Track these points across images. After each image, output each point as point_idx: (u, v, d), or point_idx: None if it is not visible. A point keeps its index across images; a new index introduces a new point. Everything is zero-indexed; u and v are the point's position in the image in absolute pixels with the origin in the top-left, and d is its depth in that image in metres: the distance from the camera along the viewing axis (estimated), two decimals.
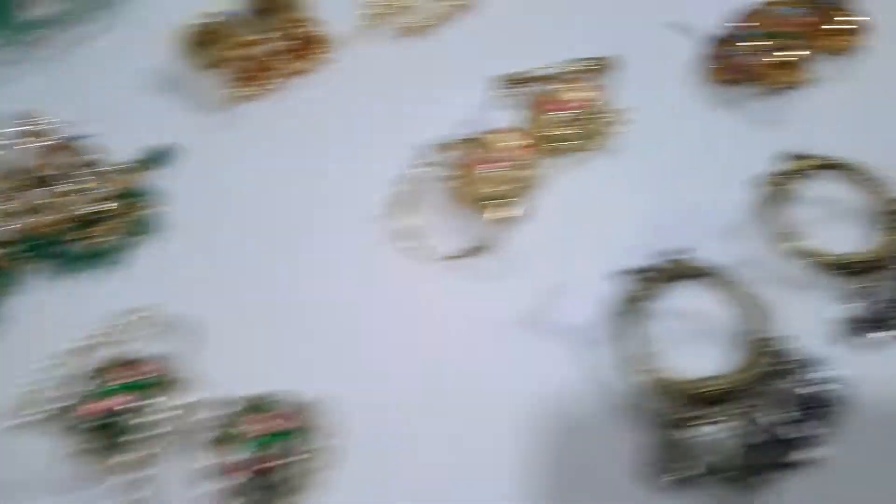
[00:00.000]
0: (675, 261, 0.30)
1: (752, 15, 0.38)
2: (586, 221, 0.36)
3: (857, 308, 0.30)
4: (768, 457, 0.27)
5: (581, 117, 0.38)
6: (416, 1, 0.45)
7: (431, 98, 0.42)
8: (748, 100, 0.39)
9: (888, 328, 0.29)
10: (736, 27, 0.38)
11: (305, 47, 0.45)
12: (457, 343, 0.33)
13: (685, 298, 0.32)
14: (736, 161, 0.36)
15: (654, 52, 0.42)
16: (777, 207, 0.32)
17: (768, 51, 0.37)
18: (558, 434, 0.30)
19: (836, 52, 0.39)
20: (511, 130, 0.39)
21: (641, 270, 0.30)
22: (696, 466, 0.27)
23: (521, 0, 0.45)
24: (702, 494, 0.28)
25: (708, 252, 0.33)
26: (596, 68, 0.40)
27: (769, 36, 0.36)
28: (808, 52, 0.37)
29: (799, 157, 0.33)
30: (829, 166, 0.33)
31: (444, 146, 0.37)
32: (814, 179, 0.34)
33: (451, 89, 0.41)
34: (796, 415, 0.27)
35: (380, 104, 0.41)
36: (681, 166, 0.37)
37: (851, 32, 0.39)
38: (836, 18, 0.39)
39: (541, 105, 0.38)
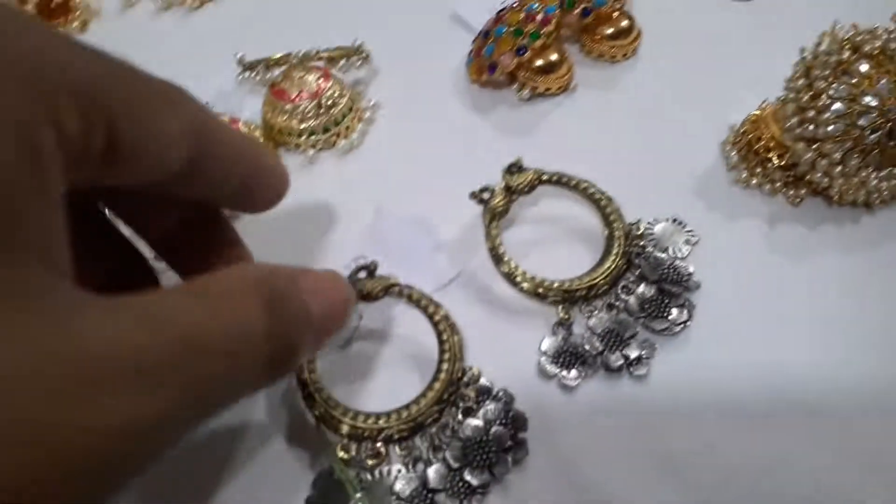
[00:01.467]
0: (365, 274, 0.26)
1: (504, 11, 0.34)
2: (310, 225, 0.32)
3: (559, 340, 0.27)
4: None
5: (320, 110, 0.34)
6: None
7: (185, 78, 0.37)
8: (504, 103, 0.35)
9: (578, 364, 0.26)
10: (490, 23, 0.35)
11: (54, 13, 0.41)
12: None
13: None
14: (478, 169, 0.32)
15: (427, 44, 0.39)
16: (496, 224, 0.29)
17: (517, 50, 0.33)
18: None
19: (601, 56, 0.37)
20: (244, 121, 0.34)
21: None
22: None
23: None
24: None
25: (427, 264, 0.30)
26: (347, 55, 0.35)
27: (516, 33, 0.33)
28: (559, 57, 0.34)
29: (520, 169, 0.29)
30: (559, 181, 0.30)
31: None
32: (544, 195, 0.30)
33: (206, 70, 0.37)
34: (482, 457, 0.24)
35: None
36: (418, 171, 0.33)
37: (619, 37, 0.36)
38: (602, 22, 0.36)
39: (277, 94, 0.34)
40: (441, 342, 0.26)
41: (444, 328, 0.26)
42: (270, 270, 0.19)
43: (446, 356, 0.25)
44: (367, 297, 0.26)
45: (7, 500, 0.11)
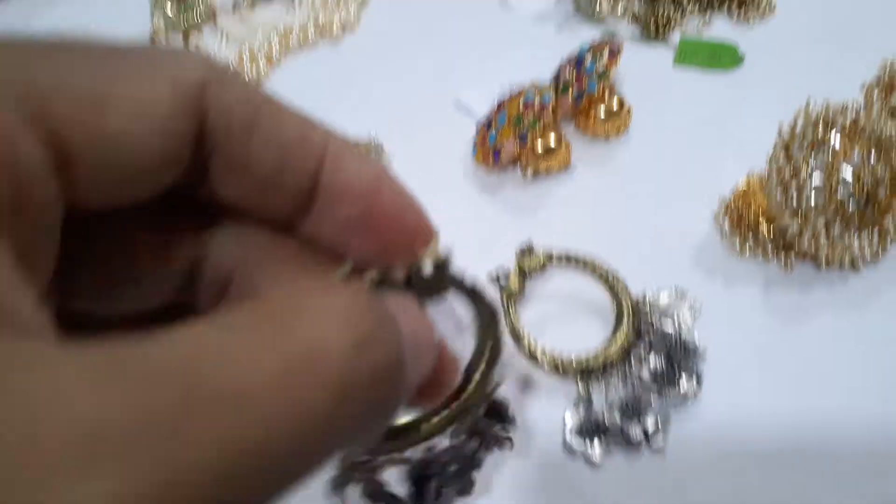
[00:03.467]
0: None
1: (504, 101, 0.37)
2: None
3: (580, 413, 0.29)
4: None
5: None
6: None
7: None
8: (509, 184, 0.38)
9: (600, 438, 0.28)
10: (492, 112, 0.38)
11: None
12: None
13: None
14: (491, 248, 0.35)
15: (435, 131, 0.41)
16: (514, 305, 0.31)
17: (518, 137, 0.36)
18: None
19: (596, 135, 0.40)
20: None
21: None
22: None
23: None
24: None
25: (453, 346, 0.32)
26: (364, 150, 0.38)
27: (516, 122, 0.36)
28: (557, 140, 0.37)
29: (531, 251, 0.32)
30: (568, 260, 0.32)
31: None
32: (555, 273, 0.33)
33: None
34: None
35: None
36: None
37: (611, 117, 0.39)
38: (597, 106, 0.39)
39: None
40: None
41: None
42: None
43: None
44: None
45: None
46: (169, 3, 0.45)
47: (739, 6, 0.47)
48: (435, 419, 0.17)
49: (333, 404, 0.10)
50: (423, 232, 0.15)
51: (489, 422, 0.23)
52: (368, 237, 0.15)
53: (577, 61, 0.38)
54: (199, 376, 0.09)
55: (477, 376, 0.19)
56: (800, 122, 0.32)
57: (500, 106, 0.37)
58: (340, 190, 0.14)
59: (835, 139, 0.32)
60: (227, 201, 0.15)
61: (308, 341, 0.10)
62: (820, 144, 0.32)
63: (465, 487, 0.21)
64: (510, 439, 0.23)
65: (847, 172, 0.31)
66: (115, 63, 0.12)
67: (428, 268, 0.14)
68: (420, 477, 0.21)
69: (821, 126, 0.32)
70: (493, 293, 0.32)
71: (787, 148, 0.32)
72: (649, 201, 0.37)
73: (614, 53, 0.38)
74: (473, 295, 0.16)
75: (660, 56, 0.44)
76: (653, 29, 0.45)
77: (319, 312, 0.11)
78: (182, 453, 0.09)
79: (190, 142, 0.13)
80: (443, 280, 0.15)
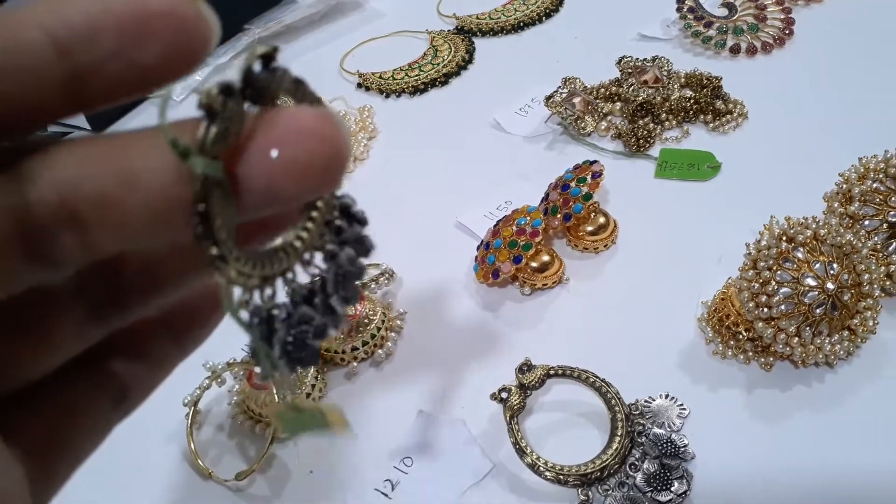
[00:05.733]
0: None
1: (499, 225, 0.41)
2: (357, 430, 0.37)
3: None
4: None
5: (359, 328, 0.40)
6: None
7: None
8: (508, 300, 0.42)
9: None
10: (489, 235, 0.42)
11: None
12: None
13: None
14: (494, 363, 0.39)
15: (438, 252, 0.46)
16: (515, 420, 0.34)
17: (514, 259, 0.40)
18: None
19: (586, 249, 0.43)
20: None
21: None
22: None
23: None
24: None
25: (464, 458, 0.35)
26: (377, 279, 0.42)
27: (510, 245, 0.40)
28: (550, 258, 0.41)
29: (530, 368, 0.35)
30: (564, 374, 0.35)
31: None
32: (553, 385, 0.36)
33: None
34: None
35: None
36: (445, 372, 0.39)
37: (598, 232, 0.43)
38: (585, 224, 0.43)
39: None
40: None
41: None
42: None
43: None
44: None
45: None
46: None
47: (714, 116, 0.51)
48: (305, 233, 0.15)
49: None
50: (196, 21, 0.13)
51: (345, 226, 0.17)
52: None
53: (563, 186, 0.42)
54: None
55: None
56: (765, 239, 0.35)
57: (495, 230, 0.41)
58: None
59: (798, 252, 0.35)
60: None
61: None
62: (785, 258, 0.35)
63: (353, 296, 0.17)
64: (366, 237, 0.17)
65: (811, 281, 0.34)
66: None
67: (258, 66, 0.13)
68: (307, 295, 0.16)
69: (784, 240, 0.35)
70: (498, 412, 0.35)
71: (755, 262, 0.35)
72: (638, 309, 0.40)
73: (596, 176, 0.42)
74: (297, 87, 0.14)
75: (643, 169, 0.49)
76: (634, 143, 0.50)
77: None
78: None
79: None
80: (274, 76, 0.13)
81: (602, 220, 0.43)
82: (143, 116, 0.61)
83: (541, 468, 0.33)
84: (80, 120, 0.59)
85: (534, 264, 0.41)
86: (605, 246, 0.43)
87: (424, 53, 0.62)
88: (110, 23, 0.12)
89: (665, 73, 0.53)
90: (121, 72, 0.13)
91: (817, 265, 0.35)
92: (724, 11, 0.59)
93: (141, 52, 0.13)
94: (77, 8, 0.13)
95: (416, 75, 0.59)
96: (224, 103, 0.12)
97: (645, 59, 0.54)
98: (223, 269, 0.13)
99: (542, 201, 0.44)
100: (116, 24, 0.12)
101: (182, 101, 0.62)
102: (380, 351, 0.40)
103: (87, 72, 0.13)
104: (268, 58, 0.13)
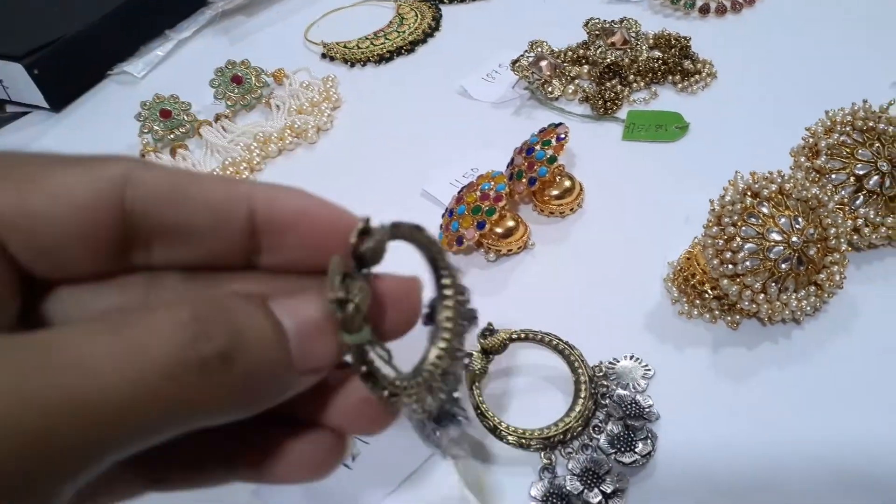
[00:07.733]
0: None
1: (462, 192, 0.40)
2: None
3: (546, 484, 0.31)
4: None
5: None
6: None
7: None
8: (474, 266, 0.41)
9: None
10: (453, 202, 0.41)
11: None
12: None
13: None
14: None
15: (405, 218, 0.44)
16: (477, 385, 0.33)
17: (478, 224, 0.39)
18: None
19: (552, 214, 0.43)
20: None
21: None
22: None
23: None
24: None
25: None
26: None
27: (474, 211, 0.39)
28: (514, 223, 0.40)
29: (492, 332, 0.34)
30: (527, 337, 0.35)
31: None
32: (514, 347, 0.35)
33: None
34: None
35: None
36: (406, 339, 0.38)
37: (564, 196, 0.42)
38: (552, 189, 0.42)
39: None
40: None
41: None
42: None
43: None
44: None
45: None
46: (156, 123, 0.50)
47: (682, 76, 0.50)
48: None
49: (161, 378, 0.13)
50: (351, 226, 0.17)
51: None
52: (313, 249, 0.18)
53: (528, 149, 0.41)
54: (55, 350, 0.13)
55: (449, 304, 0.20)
56: (729, 194, 0.35)
57: (459, 196, 0.40)
58: (278, 222, 0.17)
59: (763, 207, 0.34)
60: (180, 259, 0.17)
61: (141, 336, 0.13)
62: (750, 213, 0.34)
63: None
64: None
65: (777, 236, 0.34)
66: (46, 163, 0.16)
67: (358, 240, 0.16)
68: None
69: (748, 196, 0.35)
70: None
71: (719, 218, 0.34)
72: (604, 272, 0.39)
73: (561, 138, 0.41)
74: (411, 236, 0.18)
75: (610, 131, 0.48)
76: (601, 106, 0.49)
77: (154, 317, 0.14)
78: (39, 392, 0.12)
79: (110, 220, 0.16)
80: (376, 240, 0.16)
81: (568, 183, 0.42)
82: (104, 94, 0.60)
83: (502, 432, 0.32)
84: (38, 98, 0.58)
85: (498, 230, 0.40)
86: (571, 210, 0.42)
87: (390, 21, 0.61)
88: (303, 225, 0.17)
89: (633, 35, 0.52)
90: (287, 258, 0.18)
91: (783, 220, 0.34)
92: None
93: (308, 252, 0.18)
94: (285, 201, 0.17)
95: (382, 44, 0.58)
96: (347, 288, 0.15)
97: (613, 21, 0.53)
98: (397, 402, 0.18)
99: (507, 166, 0.43)
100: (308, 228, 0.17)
101: (143, 78, 0.60)
102: None
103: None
104: (364, 231, 0.16)
